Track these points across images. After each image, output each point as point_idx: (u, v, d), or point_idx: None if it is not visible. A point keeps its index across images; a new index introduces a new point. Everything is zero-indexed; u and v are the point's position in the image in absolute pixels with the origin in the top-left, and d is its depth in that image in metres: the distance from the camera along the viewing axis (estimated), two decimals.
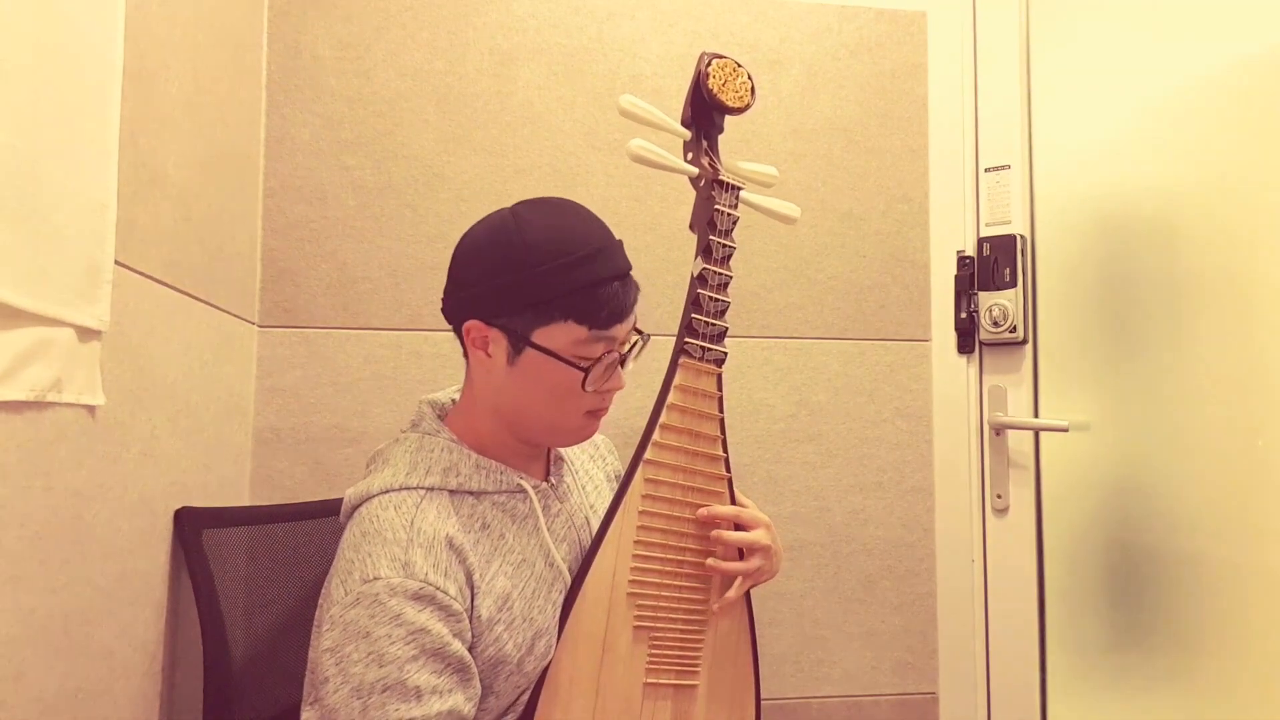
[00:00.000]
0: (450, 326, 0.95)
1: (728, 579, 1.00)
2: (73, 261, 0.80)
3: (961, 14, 1.60)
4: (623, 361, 0.92)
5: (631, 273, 0.92)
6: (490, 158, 1.47)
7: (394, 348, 1.42)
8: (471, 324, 0.89)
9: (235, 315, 1.28)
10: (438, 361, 1.43)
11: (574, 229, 0.89)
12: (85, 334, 0.83)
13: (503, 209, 0.92)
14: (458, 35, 1.47)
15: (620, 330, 0.90)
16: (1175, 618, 1.34)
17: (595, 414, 0.93)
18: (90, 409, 0.86)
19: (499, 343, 0.88)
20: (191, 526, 1.06)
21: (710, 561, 0.98)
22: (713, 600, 1.00)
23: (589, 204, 1.46)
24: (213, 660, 1.03)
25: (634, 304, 0.91)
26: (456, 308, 0.91)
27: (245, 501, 1.35)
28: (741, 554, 1.01)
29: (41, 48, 0.74)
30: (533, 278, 0.85)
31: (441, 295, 0.94)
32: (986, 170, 1.56)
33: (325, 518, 1.24)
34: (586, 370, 0.87)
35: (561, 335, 0.86)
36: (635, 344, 0.94)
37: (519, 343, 0.87)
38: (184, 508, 1.07)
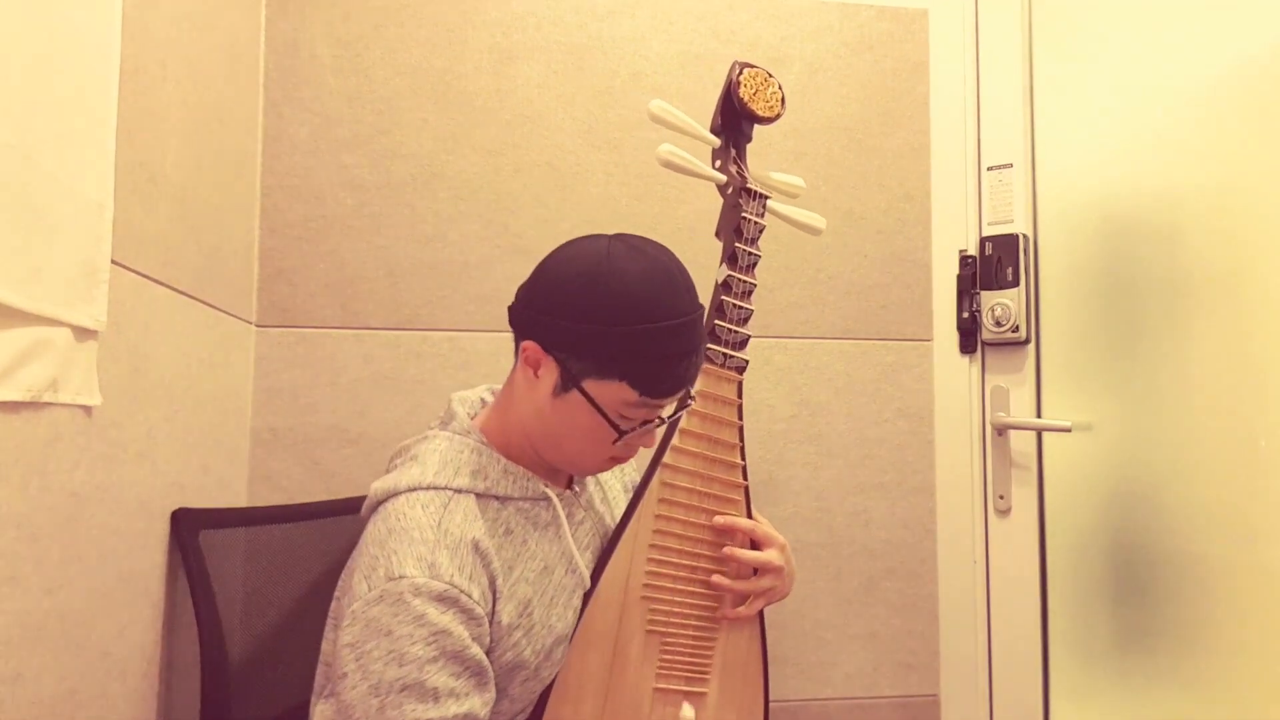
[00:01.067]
0: (509, 322, 0.93)
1: (737, 595, 1.00)
2: (69, 261, 0.79)
3: (963, 11, 1.59)
4: (660, 422, 0.92)
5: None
6: (489, 156, 1.46)
7: (392, 347, 1.41)
8: (530, 345, 0.87)
9: (232, 315, 1.28)
10: (436, 361, 1.42)
11: (665, 293, 0.84)
12: (82, 334, 0.82)
13: (601, 238, 0.88)
14: (456, 33, 1.46)
15: (670, 400, 0.88)
16: (1179, 619, 1.34)
17: (618, 460, 0.92)
18: (87, 409, 0.85)
19: (550, 372, 0.87)
20: (189, 527, 1.05)
21: (715, 578, 0.98)
22: (721, 610, 1.00)
23: (588, 203, 1.48)
24: (210, 661, 1.03)
25: (695, 378, 0.90)
26: (523, 323, 0.88)
27: (243, 502, 1.34)
28: (755, 572, 1.01)
29: (39, 47, 0.74)
30: (606, 334, 0.83)
31: (516, 293, 0.92)
32: (989, 169, 1.55)
33: (323, 519, 1.23)
34: (623, 433, 0.87)
35: (613, 393, 0.85)
36: (680, 409, 0.95)
37: (569, 382, 0.86)
38: (181, 508, 1.07)
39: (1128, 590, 1.39)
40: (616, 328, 0.82)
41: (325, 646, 0.88)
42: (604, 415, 0.85)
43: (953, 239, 1.57)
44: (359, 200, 1.42)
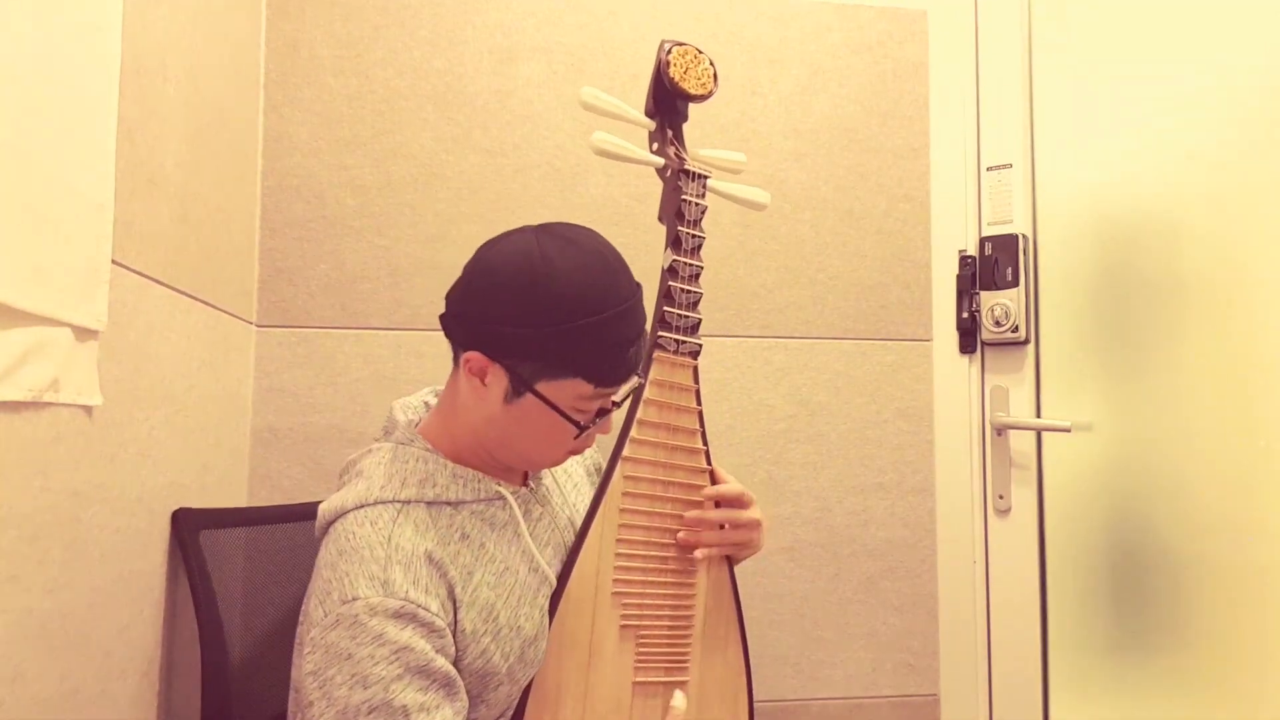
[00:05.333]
0: (443, 332, 0.92)
1: (712, 547, 1.01)
2: (70, 261, 0.79)
3: (963, 12, 1.59)
4: (615, 406, 0.91)
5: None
6: (489, 157, 1.46)
7: (393, 347, 1.41)
8: (474, 355, 0.84)
9: (233, 315, 1.28)
10: (437, 361, 1.42)
11: (603, 282, 0.83)
12: (83, 334, 0.82)
13: (526, 233, 0.86)
14: (457, 34, 1.47)
15: (623, 387, 0.89)
16: (1178, 618, 1.34)
17: (576, 452, 0.92)
18: (88, 409, 0.85)
19: (498, 379, 0.85)
20: (189, 527, 1.06)
21: (681, 534, 0.99)
22: (705, 566, 1.00)
23: (589, 203, 1.48)
24: (210, 661, 1.03)
25: (644, 359, 0.90)
26: (461, 332, 0.86)
27: (243, 502, 1.34)
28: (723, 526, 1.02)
29: (39, 47, 0.74)
30: (554, 334, 0.81)
31: (445, 301, 0.89)
32: (988, 169, 1.55)
33: None
34: (583, 428, 0.86)
35: (567, 390, 0.84)
36: (630, 392, 0.93)
37: (521, 387, 0.84)
38: (181, 508, 1.07)
39: (1127, 590, 1.39)
40: (563, 326, 0.81)
41: (294, 672, 0.85)
42: (561, 414, 0.85)
43: (952, 239, 1.57)
44: (360, 200, 1.42)
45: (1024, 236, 1.50)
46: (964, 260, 1.55)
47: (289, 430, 1.37)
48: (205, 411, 1.17)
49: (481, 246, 0.88)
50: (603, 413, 0.88)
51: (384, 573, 0.78)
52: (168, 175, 1.03)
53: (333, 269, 1.41)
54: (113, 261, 0.88)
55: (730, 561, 1.03)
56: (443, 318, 0.89)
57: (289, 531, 1.19)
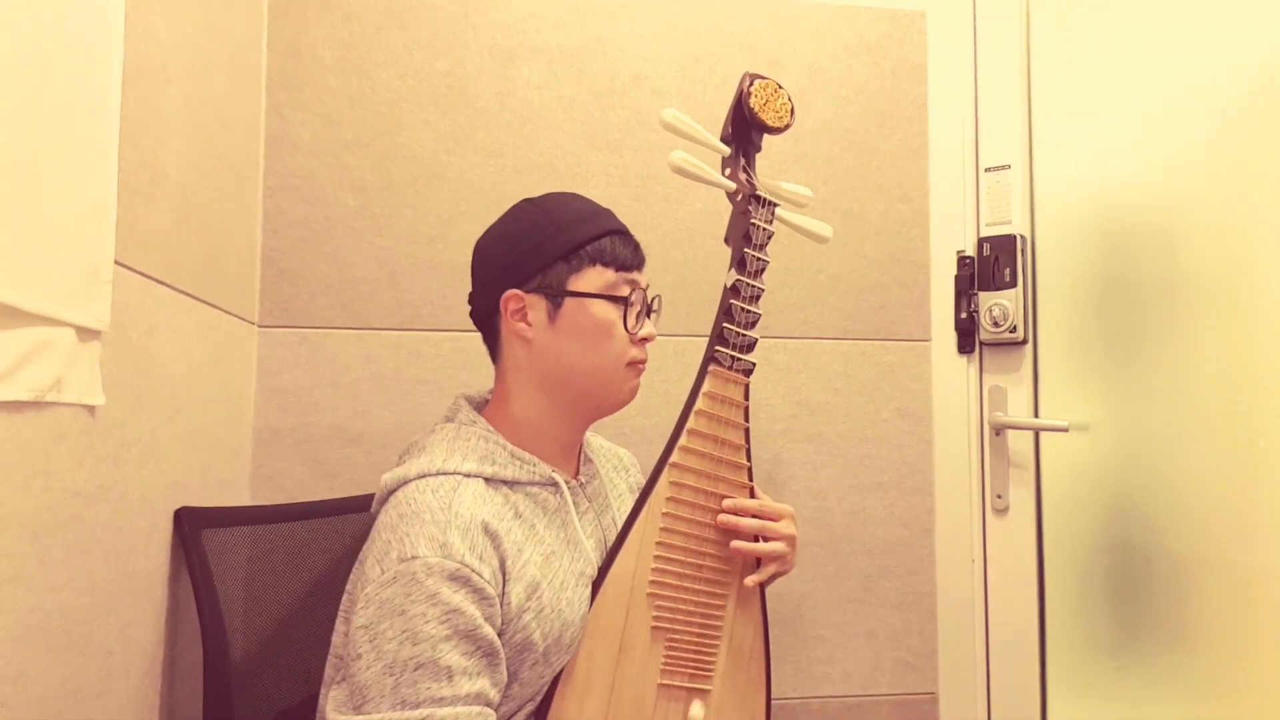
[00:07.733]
0: (480, 331, 1.00)
1: (749, 567, 1.03)
2: (73, 261, 0.80)
3: (961, 14, 1.60)
4: (648, 312, 0.99)
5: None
6: (490, 157, 1.47)
7: (394, 347, 1.42)
8: (510, 294, 0.94)
9: (235, 315, 1.28)
10: (438, 361, 1.43)
11: (580, 199, 0.99)
12: (85, 334, 0.83)
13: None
14: (458, 35, 1.47)
15: (641, 278, 0.98)
16: (1175, 618, 1.34)
17: (635, 367, 0.97)
18: (90, 409, 0.86)
19: (537, 306, 0.94)
20: (191, 526, 1.06)
21: (734, 544, 1.00)
22: (739, 579, 1.02)
23: None
24: (212, 660, 1.03)
25: (643, 260, 0.99)
26: (489, 290, 0.96)
27: (245, 501, 1.34)
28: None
29: (42, 48, 0.74)
30: (557, 233, 0.93)
31: (468, 299, 1.00)
32: (987, 170, 1.55)
33: (325, 518, 1.24)
34: (625, 302, 0.94)
35: (595, 278, 0.93)
36: (656, 299, 1.01)
37: (557, 297, 0.93)
38: (184, 508, 1.07)
39: (1125, 589, 1.40)
40: (564, 222, 0.94)
41: (335, 639, 0.89)
42: (602, 296, 0.93)
43: (951, 240, 1.57)
44: (361, 201, 1.43)
45: (1022, 237, 1.50)
46: (962, 261, 1.56)
47: (291, 430, 1.38)
48: (207, 411, 1.17)
49: None
50: (641, 309, 0.96)
51: (443, 535, 0.81)
52: (170, 176, 1.03)
53: (334, 269, 1.41)
54: (115, 262, 0.88)
55: (762, 583, 1.04)
56: (472, 314, 0.99)
57: (291, 531, 1.19)
